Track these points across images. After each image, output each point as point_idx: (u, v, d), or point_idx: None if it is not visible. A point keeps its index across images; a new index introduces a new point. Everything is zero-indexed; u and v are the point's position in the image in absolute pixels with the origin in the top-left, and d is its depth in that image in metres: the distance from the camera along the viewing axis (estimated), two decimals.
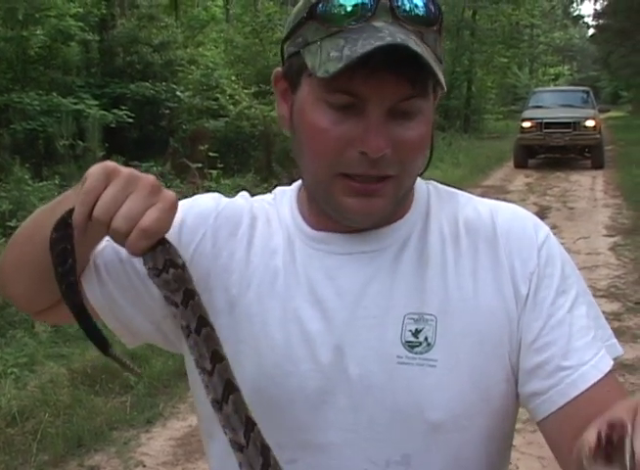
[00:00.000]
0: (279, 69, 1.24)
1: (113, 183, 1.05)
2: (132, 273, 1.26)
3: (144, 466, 4.63)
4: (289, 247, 1.27)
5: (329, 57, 1.08)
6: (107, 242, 1.25)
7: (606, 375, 1.18)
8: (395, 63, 1.07)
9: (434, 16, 1.15)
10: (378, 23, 1.09)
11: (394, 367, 1.18)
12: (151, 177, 1.08)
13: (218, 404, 1.04)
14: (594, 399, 1.16)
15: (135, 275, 1.25)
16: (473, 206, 1.30)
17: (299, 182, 1.33)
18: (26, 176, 9.67)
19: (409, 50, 1.05)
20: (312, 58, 1.11)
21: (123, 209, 1.04)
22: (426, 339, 1.19)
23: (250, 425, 1.03)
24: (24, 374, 5.53)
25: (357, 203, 1.17)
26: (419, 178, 1.31)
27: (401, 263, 1.23)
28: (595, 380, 1.17)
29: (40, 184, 9.76)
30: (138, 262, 1.20)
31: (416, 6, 1.12)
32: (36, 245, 1.20)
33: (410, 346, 1.19)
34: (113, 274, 1.27)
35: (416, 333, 1.19)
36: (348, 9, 1.10)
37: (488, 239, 1.25)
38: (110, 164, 1.09)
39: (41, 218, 1.22)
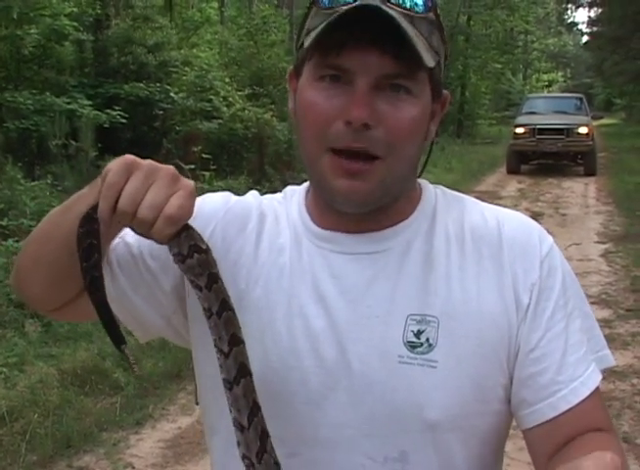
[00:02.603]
0: (291, 67, 1.30)
1: (134, 175, 1.09)
2: (144, 269, 1.30)
3: (133, 468, 4.62)
4: (296, 245, 1.30)
5: (317, 29, 1.15)
6: (118, 239, 1.30)
7: (593, 392, 1.23)
8: (378, 36, 1.13)
9: (424, 4, 1.20)
10: (368, 2, 1.14)
11: (395, 366, 1.21)
12: (170, 167, 1.13)
13: (229, 384, 1.10)
14: (580, 414, 1.22)
15: (146, 270, 1.30)
16: (479, 211, 1.33)
17: (308, 183, 1.36)
18: (19, 176, 9.64)
19: (382, 12, 1.12)
20: (307, 41, 1.18)
21: (147, 198, 1.07)
22: (427, 340, 1.21)
23: (255, 409, 1.09)
24: (14, 374, 5.51)
25: (345, 184, 1.20)
26: (426, 181, 1.35)
27: (406, 265, 1.26)
28: (584, 396, 1.22)
29: (32, 184, 9.73)
30: (149, 258, 1.28)
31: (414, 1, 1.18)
32: (52, 244, 1.24)
33: (412, 346, 1.21)
34: (125, 270, 1.30)
35: (418, 334, 1.22)
36: None
37: (493, 246, 1.27)
38: (129, 157, 1.12)
39: (57, 217, 1.26)
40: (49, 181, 10.17)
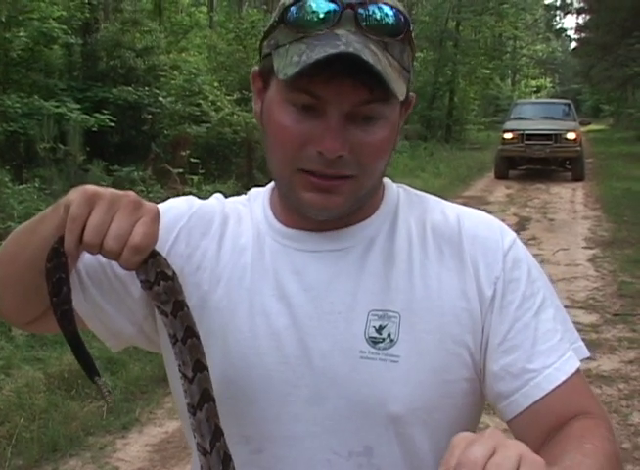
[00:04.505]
0: (257, 67, 1.30)
1: (97, 207, 1.09)
2: (112, 276, 1.30)
3: None
4: (258, 244, 1.32)
5: (290, 61, 1.14)
6: None
7: (571, 376, 1.24)
8: (353, 69, 1.12)
9: (399, 27, 1.19)
10: (340, 32, 1.15)
11: (357, 362, 1.23)
12: (131, 194, 1.12)
13: (193, 410, 1.11)
14: (559, 399, 1.23)
15: (115, 278, 1.30)
16: (441, 210, 1.35)
17: (273, 183, 1.38)
18: (6, 179, 9.61)
19: (360, 59, 1.10)
20: (278, 60, 1.18)
21: (112, 229, 1.08)
22: (389, 335, 1.23)
23: (217, 434, 1.10)
24: (0, 378, 5.49)
25: (315, 197, 1.22)
26: (390, 181, 1.38)
27: (367, 262, 1.28)
28: (559, 382, 1.23)
29: (20, 187, 9.71)
30: (117, 266, 1.25)
31: (384, 17, 1.17)
32: (19, 265, 1.25)
33: (373, 341, 1.23)
34: (94, 279, 1.31)
35: (380, 329, 1.24)
36: (320, 15, 1.16)
37: (454, 243, 1.29)
38: (89, 188, 1.12)
39: (22, 239, 1.27)
40: (37, 185, 10.16)
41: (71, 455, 4.78)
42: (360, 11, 1.16)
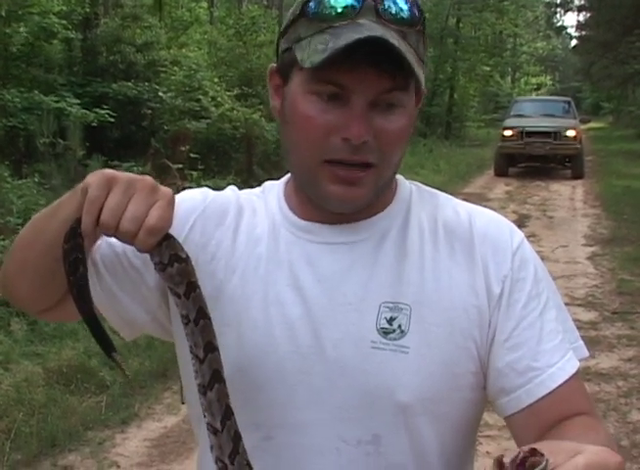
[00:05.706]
0: (274, 64, 1.33)
1: (114, 189, 1.12)
2: (128, 266, 1.34)
3: (118, 467, 4.62)
4: (273, 235, 1.35)
5: (316, 49, 1.17)
6: (100, 240, 1.32)
7: (571, 376, 1.27)
8: (377, 57, 1.16)
9: (416, 17, 1.23)
10: (362, 21, 1.18)
11: (369, 352, 1.26)
12: (148, 178, 1.16)
13: (203, 389, 1.15)
14: (559, 399, 1.25)
15: (130, 268, 1.34)
16: (452, 207, 1.38)
17: (287, 176, 1.41)
18: (6, 174, 9.60)
19: (387, 43, 1.14)
20: (301, 52, 1.20)
21: (129, 211, 1.11)
22: (399, 326, 1.26)
23: (228, 413, 1.13)
24: None
25: (340, 190, 1.25)
26: (402, 177, 1.40)
27: (380, 255, 1.31)
28: (561, 381, 1.25)
29: (20, 182, 9.69)
30: (132, 256, 1.32)
31: (400, 9, 1.21)
32: (37, 250, 1.28)
33: (384, 332, 1.26)
34: (109, 268, 1.34)
35: (391, 320, 1.26)
36: (338, 10, 1.19)
37: (465, 240, 1.32)
38: (108, 171, 1.16)
39: (40, 224, 1.30)
40: (36, 180, 10.14)
41: (70, 450, 4.79)
42: (379, 4, 1.20)
